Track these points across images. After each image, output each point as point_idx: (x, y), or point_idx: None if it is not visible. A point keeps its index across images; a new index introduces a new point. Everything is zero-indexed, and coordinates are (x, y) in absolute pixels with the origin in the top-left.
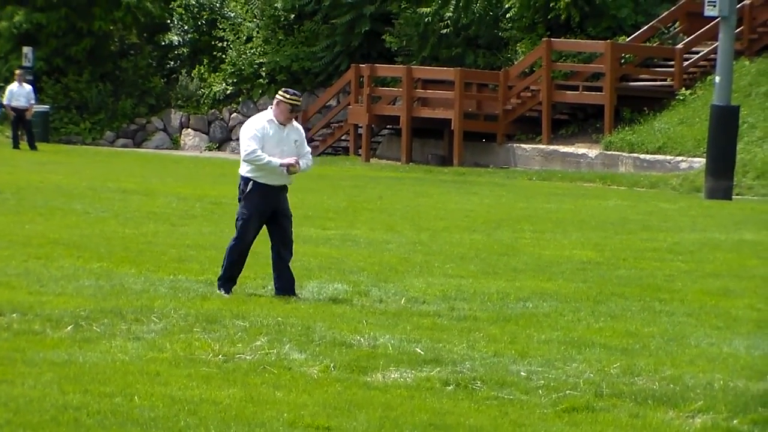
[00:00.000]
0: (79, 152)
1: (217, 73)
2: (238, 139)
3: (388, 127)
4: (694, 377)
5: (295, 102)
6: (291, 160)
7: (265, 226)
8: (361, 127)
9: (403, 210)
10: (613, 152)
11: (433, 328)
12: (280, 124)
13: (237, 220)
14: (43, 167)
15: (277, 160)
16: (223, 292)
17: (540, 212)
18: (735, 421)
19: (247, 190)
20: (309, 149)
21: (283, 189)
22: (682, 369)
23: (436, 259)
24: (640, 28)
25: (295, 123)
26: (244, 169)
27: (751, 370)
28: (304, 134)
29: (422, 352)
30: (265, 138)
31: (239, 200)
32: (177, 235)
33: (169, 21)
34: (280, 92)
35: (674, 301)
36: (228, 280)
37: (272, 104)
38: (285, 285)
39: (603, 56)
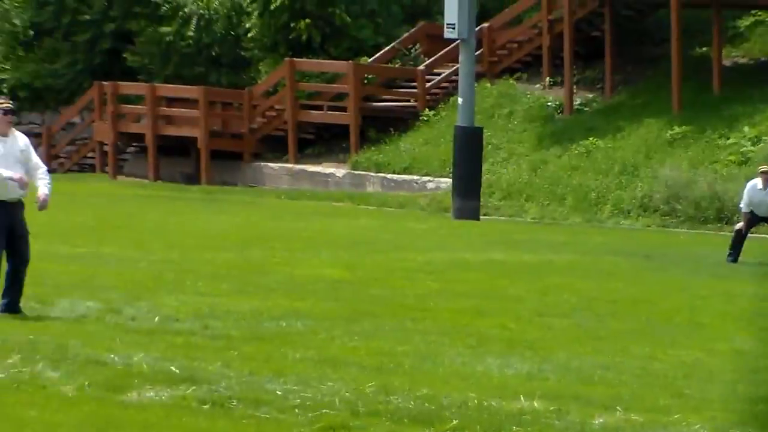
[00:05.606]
0: None
1: None
2: None
3: (134, 144)
4: (449, 396)
5: (4, 105)
6: (19, 174)
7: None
8: (106, 144)
9: (152, 228)
10: (361, 172)
11: (188, 346)
12: (2, 135)
13: None
14: None
15: (7, 172)
16: None
17: (290, 231)
18: None
19: None
20: (41, 163)
21: (17, 205)
22: (437, 388)
23: (188, 277)
24: (381, 49)
25: (17, 132)
26: None
27: (504, 389)
28: (29, 143)
29: (177, 371)
30: None
31: None
32: None
33: None
34: None
35: (426, 320)
36: None
37: None
38: (12, 301)
39: (346, 76)
